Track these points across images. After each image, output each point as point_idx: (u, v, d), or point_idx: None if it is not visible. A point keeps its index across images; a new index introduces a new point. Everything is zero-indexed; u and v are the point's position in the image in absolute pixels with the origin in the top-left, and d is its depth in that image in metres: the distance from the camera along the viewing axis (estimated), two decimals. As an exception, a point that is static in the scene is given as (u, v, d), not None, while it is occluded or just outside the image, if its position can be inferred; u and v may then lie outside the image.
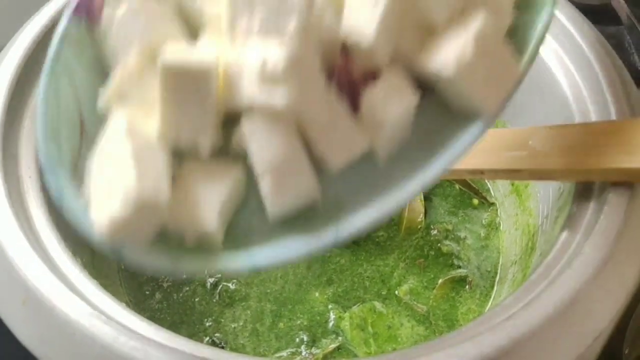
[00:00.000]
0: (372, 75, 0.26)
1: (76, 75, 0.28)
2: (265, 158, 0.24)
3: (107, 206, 0.23)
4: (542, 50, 0.42)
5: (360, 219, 0.25)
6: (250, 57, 0.24)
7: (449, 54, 0.24)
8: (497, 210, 0.51)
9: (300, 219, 0.26)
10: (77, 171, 0.26)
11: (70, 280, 0.31)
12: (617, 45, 0.72)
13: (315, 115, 0.25)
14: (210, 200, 0.25)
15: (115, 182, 0.23)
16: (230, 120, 0.25)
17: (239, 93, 0.24)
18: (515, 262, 0.46)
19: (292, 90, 0.23)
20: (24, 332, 0.29)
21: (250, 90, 0.24)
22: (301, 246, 0.25)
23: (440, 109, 0.26)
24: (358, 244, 0.48)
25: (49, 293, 0.29)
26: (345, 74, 0.26)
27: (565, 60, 0.41)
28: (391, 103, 0.25)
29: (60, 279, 0.30)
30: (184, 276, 0.29)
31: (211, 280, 0.46)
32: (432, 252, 0.49)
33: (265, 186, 0.24)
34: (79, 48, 0.28)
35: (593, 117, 0.38)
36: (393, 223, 0.50)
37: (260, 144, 0.24)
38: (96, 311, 0.28)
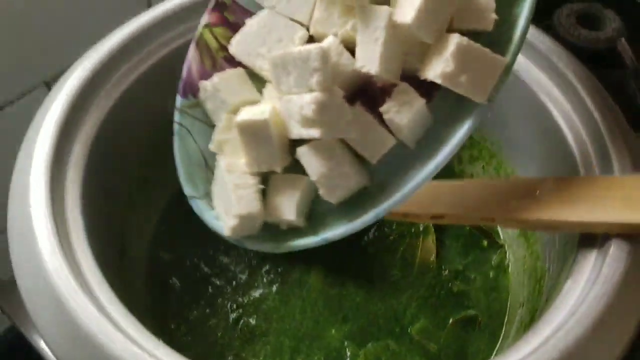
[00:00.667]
0: (388, 89, 0.36)
1: (194, 132, 0.41)
2: (312, 172, 0.36)
3: (226, 218, 0.37)
4: (551, 106, 0.45)
5: (399, 194, 0.35)
6: (292, 105, 0.34)
7: (437, 69, 0.33)
8: (505, 252, 0.53)
9: (354, 200, 0.36)
10: (209, 195, 0.40)
11: (110, 314, 0.33)
12: (622, 89, 0.74)
13: (346, 133, 0.35)
14: (289, 200, 0.37)
15: (227, 201, 0.37)
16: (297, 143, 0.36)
17: (291, 129, 0.35)
18: (523, 304, 0.48)
19: (322, 125, 0.33)
20: None
21: (296, 128, 0.35)
22: (358, 221, 0.36)
23: (451, 102, 0.35)
24: (373, 283, 0.51)
25: (97, 331, 0.32)
26: (367, 93, 0.37)
27: (572, 115, 0.43)
28: (404, 110, 0.35)
29: (102, 312, 0.33)
30: (283, 251, 0.38)
31: (233, 315, 0.49)
32: (443, 292, 0.51)
33: (319, 189, 0.36)
34: (191, 114, 0.41)
35: (596, 168, 0.40)
36: (407, 262, 0.52)
37: (308, 161, 0.36)
38: (135, 344, 0.31)
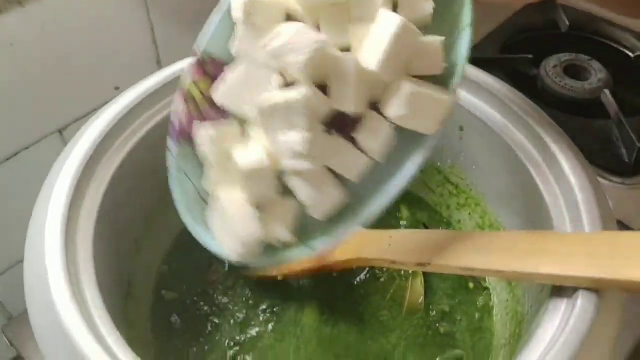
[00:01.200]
0: (358, 117, 0.40)
1: (189, 172, 0.45)
2: (302, 194, 0.41)
3: (232, 245, 0.42)
4: (530, 165, 0.48)
5: (376, 205, 0.40)
6: (282, 143, 0.39)
7: (392, 111, 0.39)
8: (490, 294, 0.56)
9: (338, 213, 0.41)
10: (207, 223, 0.43)
11: (116, 354, 0.36)
12: (606, 138, 0.78)
13: (329, 159, 0.40)
14: (284, 223, 0.42)
15: (230, 230, 0.41)
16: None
17: (283, 162, 0.40)
18: (505, 345, 0.51)
19: (311, 158, 0.38)
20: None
21: (287, 161, 0.39)
22: (341, 230, 0.41)
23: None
24: (364, 323, 0.54)
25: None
26: (340, 121, 0.41)
27: (548, 175, 0.47)
28: (374, 135, 0.40)
29: (107, 352, 0.36)
30: (277, 263, 0.43)
31: (231, 352, 0.52)
32: (431, 332, 0.54)
33: (308, 208, 0.41)
34: (185, 157, 0.45)
35: (567, 222, 0.44)
36: (396, 304, 0.55)
37: (298, 186, 0.40)
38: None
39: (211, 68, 0.44)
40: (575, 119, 0.79)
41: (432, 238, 0.47)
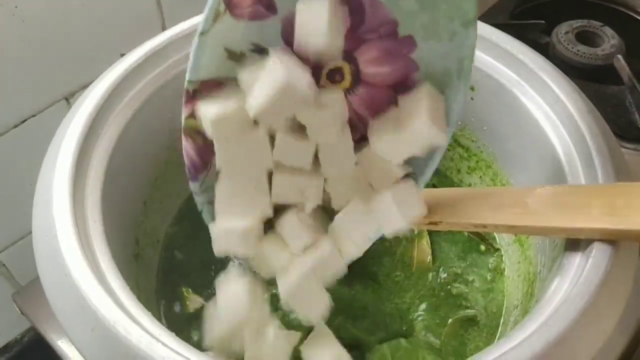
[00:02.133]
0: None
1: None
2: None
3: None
4: (543, 121, 0.47)
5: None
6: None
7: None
8: (502, 256, 0.56)
9: None
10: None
11: (130, 312, 0.36)
12: (619, 104, 0.77)
13: None
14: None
15: None
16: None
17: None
18: (517, 306, 0.50)
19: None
20: (92, 356, 0.35)
21: None
22: None
23: None
24: (379, 283, 0.54)
25: (115, 322, 0.35)
26: None
27: (561, 129, 0.46)
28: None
29: (122, 309, 0.36)
30: None
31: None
32: (443, 293, 0.53)
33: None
34: (207, 189, 0.42)
35: (582, 177, 0.43)
36: (406, 264, 0.55)
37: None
38: (153, 338, 0.34)
39: (205, 92, 0.40)
40: (587, 85, 0.77)
41: (442, 195, 0.47)
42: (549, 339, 0.34)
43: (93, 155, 0.44)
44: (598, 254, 0.38)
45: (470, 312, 0.52)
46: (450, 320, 0.51)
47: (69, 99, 0.63)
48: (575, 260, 0.39)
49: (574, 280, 0.38)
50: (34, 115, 0.61)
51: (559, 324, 0.35)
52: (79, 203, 0.41)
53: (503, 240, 0.56)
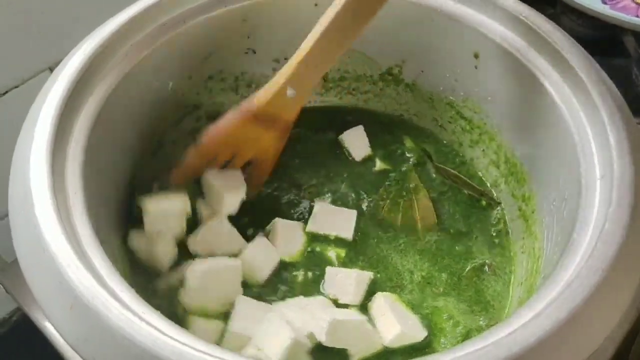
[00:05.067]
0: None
1: None
2: None
3: None
4: (551, 88, 0.45)
5: None
6: None
7: None
8: (503, 210, 0.54)
9: None
10: None
11: (111, 288, 0.34)
12: (625, 77, 0.74)
13: None
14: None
15: None
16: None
17: None
18: (522, 283, 0.48)
19: None
20: (71, 334, 0.33)
21: None
22: None
23: None
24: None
25: (94, 299, 0.32)
26: None
27: (571, 98, 0.44)
28: None
29: (103, 286, 0.33)
30: None
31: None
32: (453, 248, 0.52)
33: None
34: None
35: (593, 148, 0.41)
36: (409, 226, 0.53)
37: None
38: (135, 316, 0.32)
39: None
40: (593, 58, 0.75)
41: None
42: (559, 317, 0.32)
43: (74, 123, 0.41)
44: (611, 226, 0.35)
45: (480, 260, 0.51)
46: (466, 271, 0.50)
47: (52, 69, 0.60)
48: (586, 236, 0.37)
49: (584, 257, 0.35)
50: (16, 87, 0.58)
51: (571, 302, 0.32)
52: (59, 174, 0.38)
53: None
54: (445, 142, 0.59)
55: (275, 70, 0.54)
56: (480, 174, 0.56)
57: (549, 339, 0.31)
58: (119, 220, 0.48)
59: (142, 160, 0.51)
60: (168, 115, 0.53)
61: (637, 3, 0.77)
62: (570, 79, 0.44)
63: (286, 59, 0.54)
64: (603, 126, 0.40)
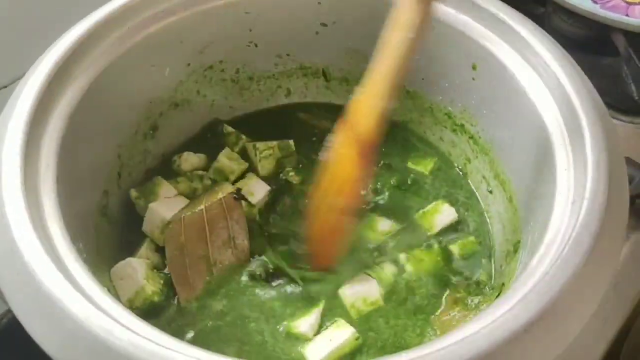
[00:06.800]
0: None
1: None
2: None
3: None
4: (526, 86, 0.45)
5: None
6: None
7: None
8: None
9: None
10: None
11: (80, 285, 0.33)
12: (615, 75, 0.74)
13: None
14: None
15: None
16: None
17: None
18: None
19: None
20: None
21: None
22: None
23: None
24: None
25: (61, 296, 0.32)
26: None
27: (547, 94, 0.44)
28: None
29: (72, 283, 0.33)
30: None
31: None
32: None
33: None
34: None
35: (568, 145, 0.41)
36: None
37: None
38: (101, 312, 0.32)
39: None
40: (583, 57, 0.74)
41: None
42: (537, 308, 0.32)
43: (49, 120, 0.41)
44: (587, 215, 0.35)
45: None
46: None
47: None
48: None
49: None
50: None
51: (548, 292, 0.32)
52: (31, 166, 0.38)
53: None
54: (444, 153, 0.58)
55: (276, 65, 0.55)
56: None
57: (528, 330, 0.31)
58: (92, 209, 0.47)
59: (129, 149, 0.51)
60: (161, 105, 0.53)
61: (626, 2, 0.77)
62: (546, 78, 0.45)
63: (288, 55, 0.54)
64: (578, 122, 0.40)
